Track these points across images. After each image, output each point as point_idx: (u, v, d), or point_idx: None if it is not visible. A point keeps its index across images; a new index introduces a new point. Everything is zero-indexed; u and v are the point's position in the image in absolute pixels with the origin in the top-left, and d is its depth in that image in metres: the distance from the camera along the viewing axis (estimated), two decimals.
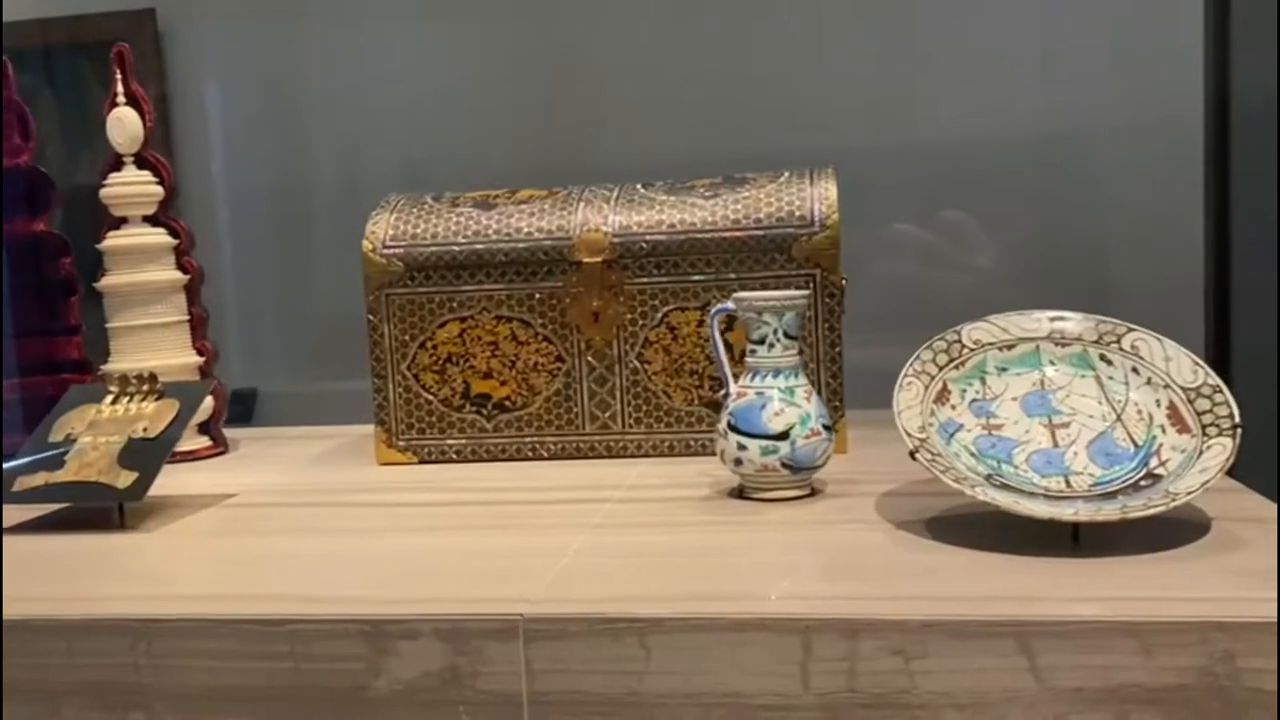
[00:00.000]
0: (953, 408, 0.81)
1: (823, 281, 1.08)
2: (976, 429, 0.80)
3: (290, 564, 0.79)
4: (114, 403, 1.01)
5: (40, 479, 0.93)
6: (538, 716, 0.64)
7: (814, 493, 0.91)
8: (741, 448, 0.88)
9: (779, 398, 0.88)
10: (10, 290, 1.28)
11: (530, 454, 1.15)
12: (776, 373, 0.90)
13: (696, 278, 1.11)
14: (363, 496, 1.02)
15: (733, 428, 0.89)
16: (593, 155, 1.56)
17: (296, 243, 1.68)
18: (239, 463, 1.23)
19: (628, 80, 1.55)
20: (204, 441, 1.28)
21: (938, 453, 0.77)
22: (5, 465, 0.95)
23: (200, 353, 1.27)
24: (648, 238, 1.11)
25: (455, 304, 1.15)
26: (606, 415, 1.13)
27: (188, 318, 1.27)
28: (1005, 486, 0.75)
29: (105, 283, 1.25)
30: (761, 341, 0.90)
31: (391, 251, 1.15)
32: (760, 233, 1.09)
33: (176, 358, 1.25)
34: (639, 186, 1.17)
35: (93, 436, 0.97)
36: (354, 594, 0.70)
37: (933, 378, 0.82)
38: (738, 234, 1.10)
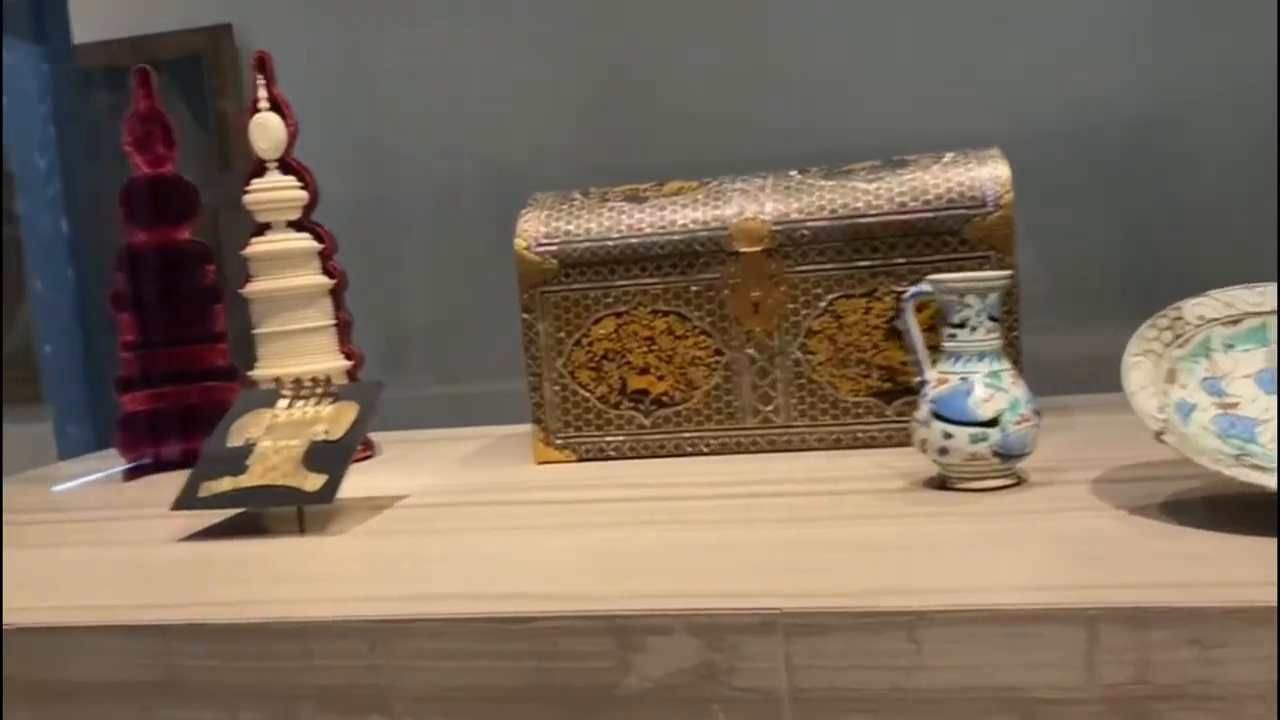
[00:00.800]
0: (1182, 387, 0.78)
1: (997, 264, 1.05)
2: (1212, 408, 0.76)
3: (510, 561, 0.77)
4: (288, 406, 1.00)
5: (226, 484, 0.93)
6: (800, 714, 0.62)
7: (1019, 482, 0.88)
8: (948, 436, 0.85)
9: (984, 383, 0.85)
10: (155, 299, 1.28)
11: (690, 450, 1.12)
12: (980, 356, 0.86)
13: (862, 264, 1.08)
14: (541, 494, 1.01)
15: (937, 415, 0.86)
16: (676, 151, 1.54)
17: (377, 253, 1.67)
18: (390, 465, 1.23)
19: (714, 73, 1.53)
20: None
21: (1181, 434, 0.73)
22: (192, 471, 0.95)
23: (348, 357, 1.27)
24: (809, 224, 1.08)
25: (611, 299, 1.13)
26: (769, 409, 1.11)
27: (334, 322, 1.26)
28: (1257, 467, 0.71)
29: (251, 289, 1.25)
30: (962, 325, 0.87)
31: (545, 249, 1.14)
32: (930, 215, 1.06)
33: (324, 362, 1.24)
34: (793, 173, 1.14)
35: (272, 440, 0.96)
36: (593, 590, 0.68)
37: (1160, 356, 0.78)
38: (906, 217, 1.06)
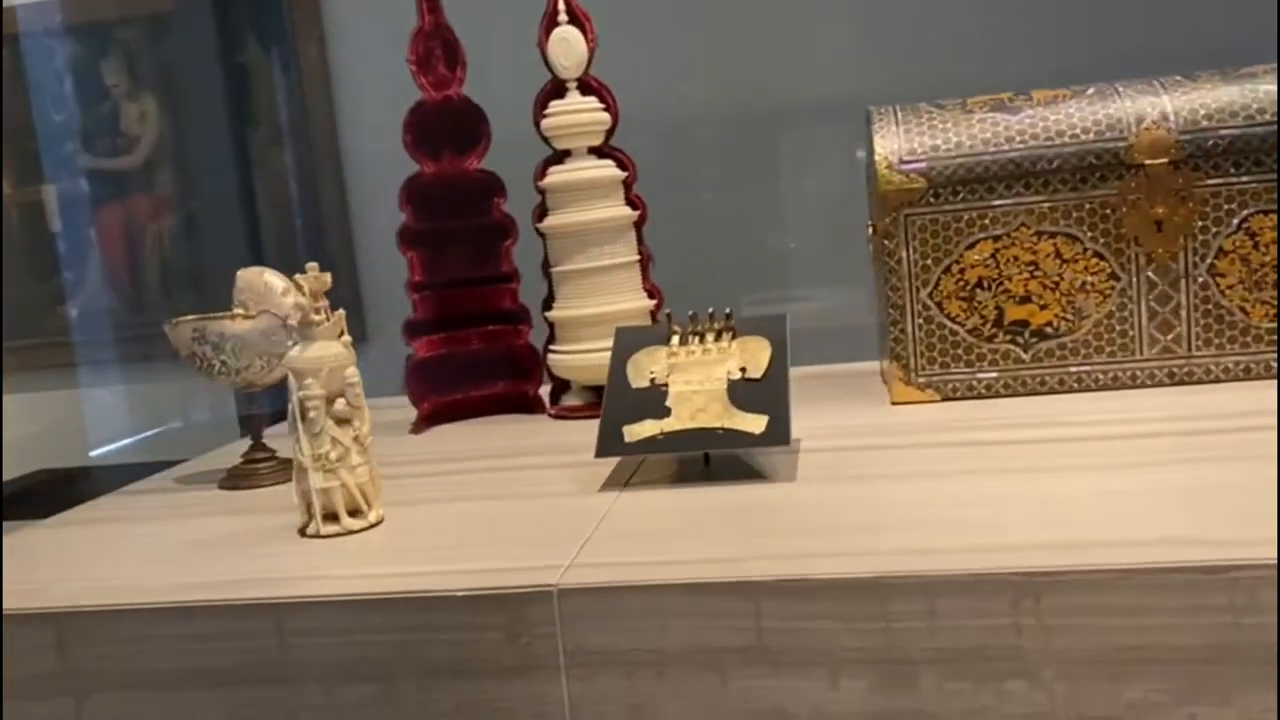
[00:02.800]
0: None
1: None
2: None
3: (1101, 502, 0.67)
4: (683, 343, 0.90)
5: (649, 427, 0.83)
6: None
7: None
8: None
9: None
10: (444, 235, 1.18)
11: (1075, 385, 1.02)
12: None
13: None
14: (960, 435, 0.91)
15: None
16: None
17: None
18: None
19: None
20: None
21: None
22: (604, 417, 0.85)
23: (650, 294, 1.17)
24: (1222, 131, 0.98)
25: (987, 221, 1.02)
26: (1169, 338, 1.01)
27: (639, 257, 1.16)
28: None
29: (550, 223, 1.14)
30: None
31: (911, 166, 1.03)
32: None
33: (630, 301, 1.14)
34: (1178, 77, 1.03)
35: (685, 380, 0.86)
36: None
37: None
38: None
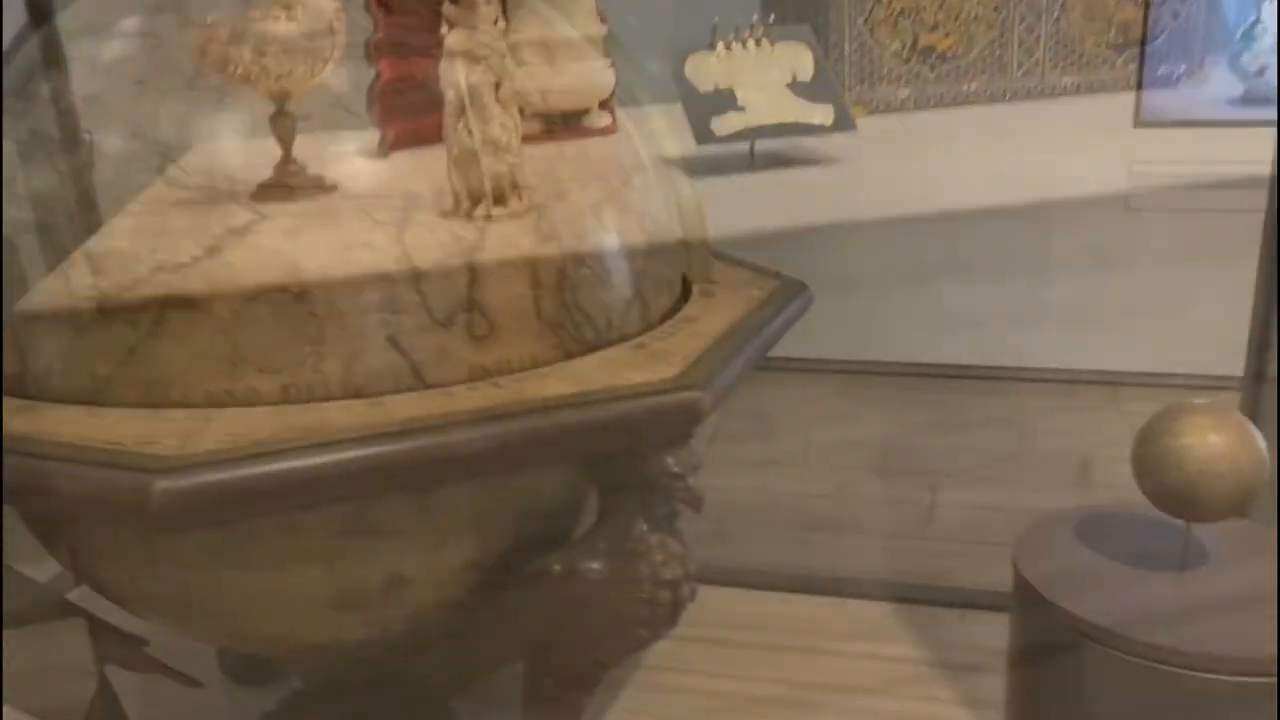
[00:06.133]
0: None
1: None
2: None
3: None
4: (728, 49, 1.01)
5: (735, 120, 0.95)
6: None
7: None
8: None
9: None
10: None
11: (965, 101, 1.28)
12: None
13: None
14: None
15: None
16: None
17: None
18: None
19: None
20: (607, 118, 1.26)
21: None
22: (689, 114, 0.95)
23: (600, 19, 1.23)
24: None
25: None
26: (1031, 60, 1.28)
27: None
28: None
29: None
30: None
31: None
32: None
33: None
34: None
35: (748, 83, 0.98)
36: None
37: None
38: None
